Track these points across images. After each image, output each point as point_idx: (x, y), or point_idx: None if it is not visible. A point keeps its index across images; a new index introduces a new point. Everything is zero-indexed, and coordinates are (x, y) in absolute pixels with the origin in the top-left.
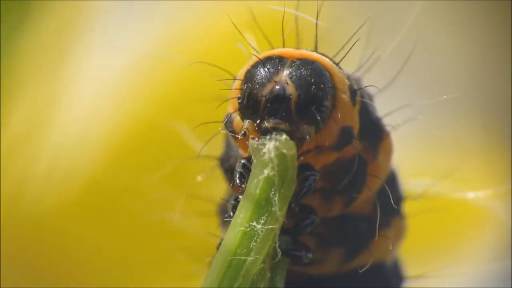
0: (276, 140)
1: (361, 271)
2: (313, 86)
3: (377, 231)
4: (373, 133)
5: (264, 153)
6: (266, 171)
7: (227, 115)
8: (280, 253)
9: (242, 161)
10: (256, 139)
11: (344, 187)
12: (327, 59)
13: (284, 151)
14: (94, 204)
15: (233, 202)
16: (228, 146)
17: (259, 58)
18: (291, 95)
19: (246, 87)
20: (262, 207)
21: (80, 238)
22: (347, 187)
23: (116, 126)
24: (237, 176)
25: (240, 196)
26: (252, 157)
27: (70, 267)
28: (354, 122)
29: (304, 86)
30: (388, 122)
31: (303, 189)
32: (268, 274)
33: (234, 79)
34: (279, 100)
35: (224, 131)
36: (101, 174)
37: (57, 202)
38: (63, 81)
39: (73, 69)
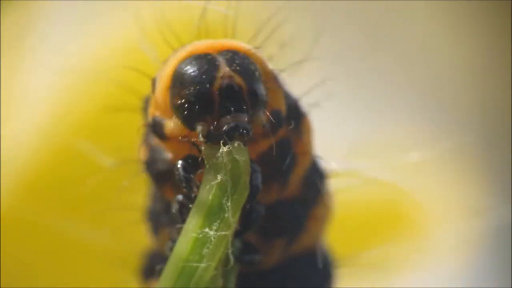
0: (229, 146)
1: (301, 255)
2: (255, 73)
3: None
4: (294, 113)
5: (218, 157)
6: (219, 177)
7: (155, 119)
8: (233, 259)
9: (182, 164)
10: (209, 143)
11: (278, 170)
12: (244, 44)
13: (237, 156)
14: (14, 228)
15: (180, 201)
16: (150, 149)
17: (186, 57)
18: (241, 86)
19: (186, 90)
20: (215, 213)
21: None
22: (281, 169)
23: (34, 150)
24: (183, 180)
25: (179, 197)
26: (205, 162)
27: None
28: (282, 105)
29: (248, 74)
30: (305, 102)
31: (252, 190)
32: (221, 281)
33: (153, 80)
34: (232, 94)
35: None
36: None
37: None
38: None
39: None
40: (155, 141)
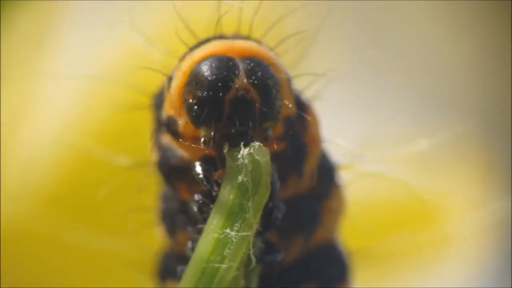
0: (250, 146)
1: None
2: (273, 89)
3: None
4: (299, 105)
5: (239, 159)
6: (240, 178)
7: (169, 118)
8: (255, 260)
9: (200, 164)
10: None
11: (291, 162)
12: (267, 50)
13: (258, 157)
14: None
15: (199, 201)
16: (162, 148)
17: (206, 57)
18: (255, 101)
19: (200, 92)
20: (236, 214)
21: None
22: (294, 160)
23: (57, 157)
24: (203, 179)
25: (196, 197)
26: (226, 162)
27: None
28: (293, 109)
29: (266, 90)
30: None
31: (272, 188)
32: (242, 282)
33: (170, 78)
34: (244, 108)
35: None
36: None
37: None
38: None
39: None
40: (166, 140)
